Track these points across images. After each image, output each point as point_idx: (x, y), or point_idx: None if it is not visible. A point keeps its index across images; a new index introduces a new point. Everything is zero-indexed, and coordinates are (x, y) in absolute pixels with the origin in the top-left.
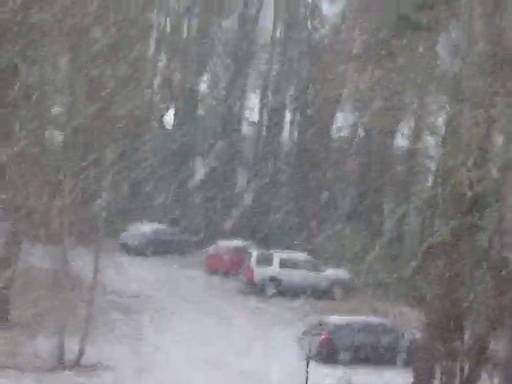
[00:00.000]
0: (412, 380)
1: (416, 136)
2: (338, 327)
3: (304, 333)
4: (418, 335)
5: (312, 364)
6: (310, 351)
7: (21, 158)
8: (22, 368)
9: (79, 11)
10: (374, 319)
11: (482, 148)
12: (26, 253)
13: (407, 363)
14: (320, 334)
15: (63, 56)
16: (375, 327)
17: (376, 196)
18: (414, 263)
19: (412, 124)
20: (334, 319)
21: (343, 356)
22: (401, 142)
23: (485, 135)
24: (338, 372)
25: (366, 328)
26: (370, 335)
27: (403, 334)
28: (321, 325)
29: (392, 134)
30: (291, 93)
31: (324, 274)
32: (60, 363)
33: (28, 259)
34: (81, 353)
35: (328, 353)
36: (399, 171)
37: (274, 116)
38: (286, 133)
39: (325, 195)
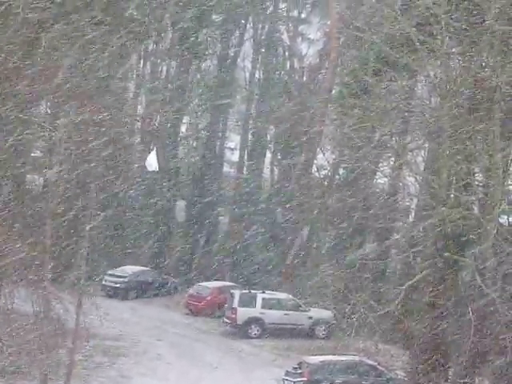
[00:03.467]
0: None
1: (396, 174)
2: (319, 367)
3: (286, 374)
4: (401, 374)
5: None
6: None
7: (1, 201)
8: None
9: (59, 55)
10: (355, 358)
11: (462, 185)
12: (7, 297)
13: None
14: (301, 375)
15: (41, 100)
16: (357, 366)
17: (357, 234)
18: (396, 301)
19: (392, 162)
20: (315, 359)
21: None
22: (381, 180)
23: (465, 173)
24: None
25: (348, 367)
26: (352, 374)
27: (385, 373)
28: (302, 365)
29: (372, 172)
30: (271, 132)
31: (307, 313)
32: None
33: (8, 303)
34: None
35: None
36: (380, 209)
37: (254, 156)
38: (266, 172)
39: (306, 234)
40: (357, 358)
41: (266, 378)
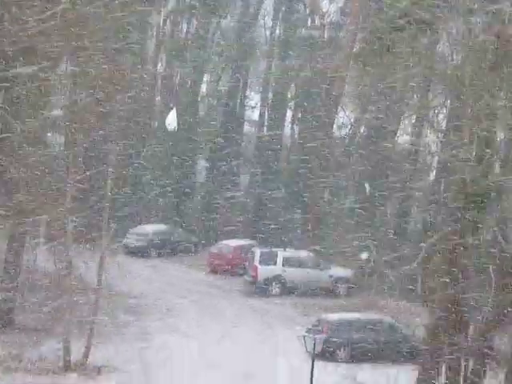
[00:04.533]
0: (417, 376)
1: (417, 132)
2: (338, 324)
3: (307, 331)
4: (419, 332)
5: (315, 362)
6: (313, 350)
7: (23, 160)
8: (28, 371)
9: (78, 13)
10: (374, 316)
11: (483, 143)
12: (30, 255)
13: (408, 360)
14: (321, 332)
15: (62, 57)
16: (376, 324)
17: (379, 192)
18: (417, 259)
19: (413, 120)
20: (333, 316)
21: (344, 353)
22: (402, 138)
23: (486, 130)
24: (341, 369)
25: (366, 325)
26: (371, 332)
27: (404, 331)
28: (321, 323)
29: (393, 130)
30: (292, 91)
31: (327, 271)
32: (66, 366)
33: (31, 262)
34: (87, 355)
35: (329, 350)
36: (401, 168)
37: (274, 115)
38: (287, 131)
39: (327, 193)
40: (375, 316)
41: (287, 335)
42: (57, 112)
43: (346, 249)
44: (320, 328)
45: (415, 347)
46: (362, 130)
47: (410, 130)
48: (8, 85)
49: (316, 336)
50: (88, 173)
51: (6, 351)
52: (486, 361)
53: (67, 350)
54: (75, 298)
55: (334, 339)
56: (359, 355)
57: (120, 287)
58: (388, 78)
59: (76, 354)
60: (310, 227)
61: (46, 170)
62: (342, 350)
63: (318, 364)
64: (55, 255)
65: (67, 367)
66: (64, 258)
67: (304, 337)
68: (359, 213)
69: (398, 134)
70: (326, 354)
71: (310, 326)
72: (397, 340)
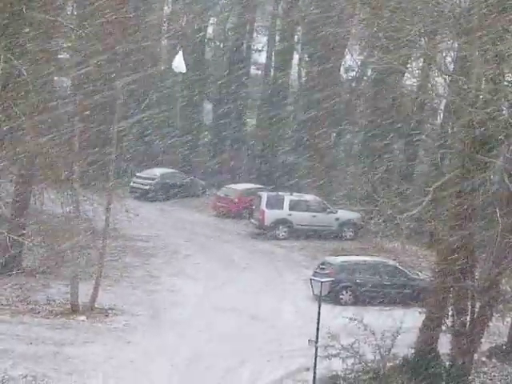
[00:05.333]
0: (423, 319)
1: (425, 75)
2: (341, 267)
3: (314, 274)
4: (424, 274)
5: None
6: (320, 292)
7: (30, 103)
8: (36, 313)
9: None
10: (378, 258)
11: (491, 86)
12: (37, 198)
13: (414, 302)
14: (328, 274)
15: (68, 1)
16: (379, 267)
17: (386, 135)
18: (424, 202)
19: (420, 63)
20: (337, 259)
21: (349, 296)
22: (409, 81)
23: (494, 73)
24: (347, 312)
25: (370, 267)
26: (374, 275)
27: (407, 274)
28: (325, 265)
29: (401, 73)
30: (298, 33)
31: (334, 215)
32: (74, 308)
33: (38, 204)
34: (94, 297)
35: (334, 293)
36: (408, 110)
37: (281, 57)
38: (293, 74)
39: (333, 135)
40: (378, 259)
41: (294, 279)
42: (64, 55)
43: (352, 192)
44: (325, 271)
45: (420, 290)
46: (368, 73)
47: (417, 72)
48: (14, 29)
49: (323, 280)
50: (95, 114)
51: (14, 294)
52: (493, 303)
53: (75, 293)
54: (83, 241)
55: (339, 282)
56: (364, 298)
57: (127, 230)
58: (395, 19)
59: (83, 297)
60: (316, 171)
61: (54, 114)
62: (346, 292)
63: (324, 307)
64: (62, 197)
65: (75, 310)
66: (71, 202)
67: (311, 280)
68: (366, 156)
69: (405, 77)
70: (331, 296)
71: (317, 270)
72: (401, 282)
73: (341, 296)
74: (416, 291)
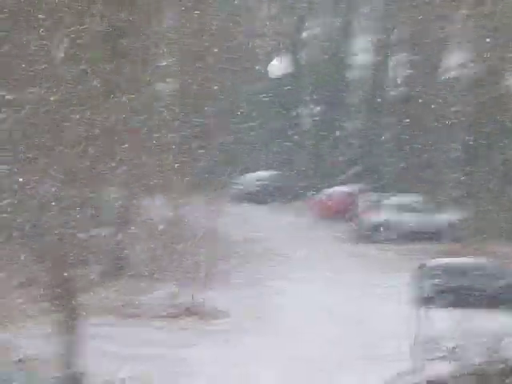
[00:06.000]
0: None
1: None
2: (444, 270)
3: (414, 277)
4: None
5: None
6: (423, 296)
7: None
8: (141, 316)
9: None
10: (482, 261)
11: None
12: (140, 204)
13: None
14: (428, 278)
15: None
16: (482, 269)
17: (488, 137)
18: None
19: None
20: (439, 261)
21: (450, 299)
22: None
23: None
24: (449, 315)
25: (473, 270)
26: (478, 277)
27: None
28: (426, 268)
29: (502, 72)
30: (396, 34)
31: (438, 217)
32: (180, 310)
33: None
34: (200, 300)
35: (437, 295)
36: (510, 111)
37: (379, 59)
38: (391, 75)
39: (435, 137)
40: (481, 261)
41: (397, 283)
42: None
43: (454, 194)
44: (427, 273)
45: None
46: (470, 73)
47: None
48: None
49: (424, 282)
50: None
51: (120, 298)
52: None
53: (182, 296)
54: (187, 245)
55: (440, 284)
56: (466, 300)
57: (231, 233)
58: (497, 17)
59: (190, 300)
60: (418, 172)
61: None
62: (447, 295)
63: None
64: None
65: (182, 312)
66: (172, 205)
67: (412, 282)
68: (466, 157)
69: (506, 77)
70: (432, 299)
71: (417, 272)
72: (504, 286)
73: (443, 299)
74: None
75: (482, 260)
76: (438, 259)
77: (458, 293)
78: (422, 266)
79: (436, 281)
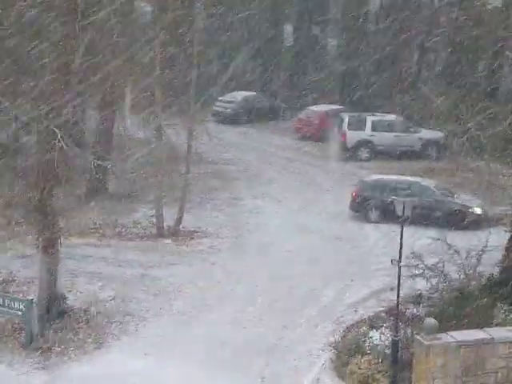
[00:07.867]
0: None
1: None
2: (370, 185)
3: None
4: (463, 196)
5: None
6: (403, 213)
7: (110, 31)
8: (122, 237)
9: None
10: (415, 179)
11: None
12: (120, 123)
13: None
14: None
15: None
16: (414, 187)
17: (469, 52)
18: (508, 120)
19: None
20: (371, 178)
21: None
22: None
23: None
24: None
25: (399, 187)
26: (408, 195)
27: (437, 194)
28: (359, 184)
29: None
30: None
31: (417, 135)
32: (159, 231)
33: (121, 129)
34: (179, 221)
35: (364, 210)
36: (492, 26)
37: None
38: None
39: (416, 54)
40: (412, 178)
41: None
42: None
43: (435, 111)
44: (363, 188)
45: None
46: None
47: None
48: None
49: (405, 200)
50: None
51: (100, 218)
52: None
53: (160, 217)
54: (167, 166)
55: (367, 199)
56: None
57: (209, 154)
58: None
59: (168, 221)
60: (399, 90)
61: (133, 40)
62: (375, 210)
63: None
64: (145, 122)
65: (161, 233)
66: (154, 126)
67: (393, 200)
68: (449, 74)
69: None
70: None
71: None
72: (431, 203)
73: (369, 213)
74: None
75: (416, 179)
76: (374, 175)
77: (386, 208)
78: (359, 182)
79: (362, 195)
